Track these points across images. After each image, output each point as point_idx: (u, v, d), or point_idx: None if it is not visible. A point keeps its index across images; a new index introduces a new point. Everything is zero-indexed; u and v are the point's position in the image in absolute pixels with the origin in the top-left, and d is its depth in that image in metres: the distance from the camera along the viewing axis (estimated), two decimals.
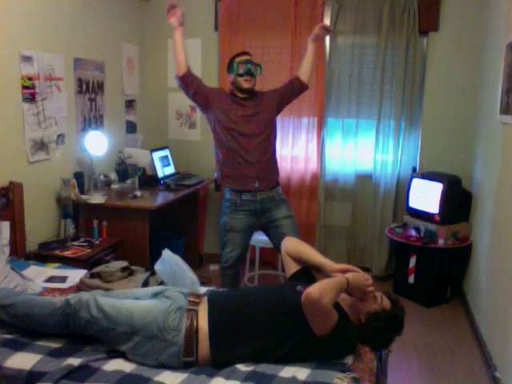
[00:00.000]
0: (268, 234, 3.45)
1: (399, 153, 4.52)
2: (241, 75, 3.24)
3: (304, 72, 3.41)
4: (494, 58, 3.72)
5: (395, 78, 4.40)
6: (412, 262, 4.22)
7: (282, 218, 3.33)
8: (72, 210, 3.75)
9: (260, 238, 3.91)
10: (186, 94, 3.32)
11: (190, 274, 2.67)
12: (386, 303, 2.20)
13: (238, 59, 3.29)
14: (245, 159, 3.26)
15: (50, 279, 2.89)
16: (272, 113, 3.37)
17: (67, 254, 3.32)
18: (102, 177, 4.13)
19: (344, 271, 2.21)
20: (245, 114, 3.27)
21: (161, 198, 3.97)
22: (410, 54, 4.34)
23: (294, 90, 3.43)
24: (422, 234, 4.11)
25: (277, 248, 3.32)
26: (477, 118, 4.26)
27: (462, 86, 4.35)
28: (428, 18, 4.28)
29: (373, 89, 4.47)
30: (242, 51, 3.44)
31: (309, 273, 2.43)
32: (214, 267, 4.84)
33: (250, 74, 3.25)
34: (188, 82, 3.24)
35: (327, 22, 4.42)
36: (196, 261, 4.73)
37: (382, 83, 4.41)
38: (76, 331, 2.19)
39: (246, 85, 3.26)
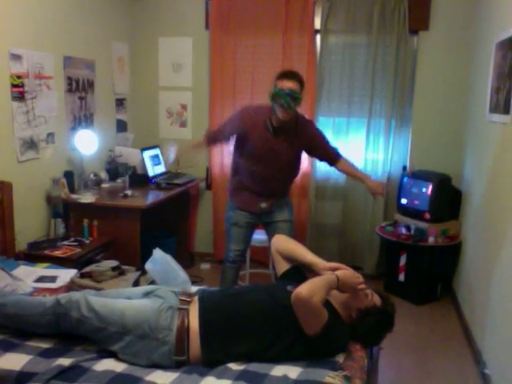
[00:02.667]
0: (266, 232, 3.51)
1: (390, 151, 4.53)
2: (277, 105, 3.00)
3: (344, 167, 3.37)
4: (483, 57, 3.74)
5: (386, 77, 4.41)
6: (402, 260, 4.23)
7: (282, 220, 3.38)
8: (62, 210, 3.74)
9: (253, 238, 3.90)
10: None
11: (181, 273, 2.67)
12: (377, 300, 2.22)
13: (279, 85, 2.97)
14: (255, 188, 3.30)
15: (40, 279, 2.86)
16: (298, 150, 3.32)
17: (57, 253, 3.31)
18: (92, 176, 4.11)
19: (334, 269, 2.21)
20: (274, 148, 3.16)
21: (151, 197, 3.96)
22: (400, 53, 4.36)
23: (325, 155, 3.35)
24: (412, 232, 4.13)
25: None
26: (467, 117, 4.28)
27: (452, 85, 4.37)
28: (418, 18, 4.30)
29: (363, 88, 4.48)
30: (288, 71, 3.08)
31: (300, 271, 2.43)
32: (205, 266, 4.84)
33: (287, 107, 2.97)
34: (214, 145, 3.64)
35: (318, 20, 4.43)
36: (187, 260, 4.72)
37: (372, 82, 4.42)
38: (66, 331, 2.18)
39: (280, 115, 3.02)
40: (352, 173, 3.46)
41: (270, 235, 3.37)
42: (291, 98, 2.94)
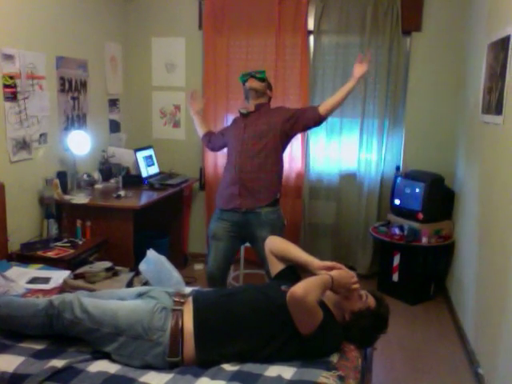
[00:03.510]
0: (251, 246, 3.42)
1: (383, 152, 4.54)
2: (245, 81, 3.28)
3: (326, 103, 3.23)
4: (475, 57, 3.76)
5: (379, 78, 4.43)
6: (396, 260, 4.25)
7: (260, 239, 3.09)
8: (55, 210, 3.72)
9: None
10: (212, 149, 3.72)
11: (174, 274, 2.66)
12: (371, 301, 2.21)
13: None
14: (230, 175, 3.26)
15: (33, 280, 2.85)
16: (271, 130, 3.20)
17: (50, 254, 3.29)
18: (85, 176, 4.09)
19: (329, 269, 2.21)
20: (243, 126, 3.26)
21: (145, 198, 3.95)
22: (393, 53, 4.37)
23: (308, 116, 3.24)
24: (405, 232, 4.14)
25: (259, 257, 3.31)
26: (459, 117, 4.30)
27: (444, 86, 4.39)
28: (411, 19, 4.31)
29: (356, 88, 4.43)
30: None
31: (294, 271, 2.43)
32: (198, 267, 4.83)
33: (252, 75, 3.27)
34: (206, 140, 3.63)
35: (311, 21, 4.44)
36: (181, 260, 4.71)
37: (365, 82, 4.43)
38: (60, 332, 2.17)
39: (248, 86, 3.25)
40: (336, 93, 3.28)
41: (253, 249, 3.40)
42: (254, 72, 3.28)
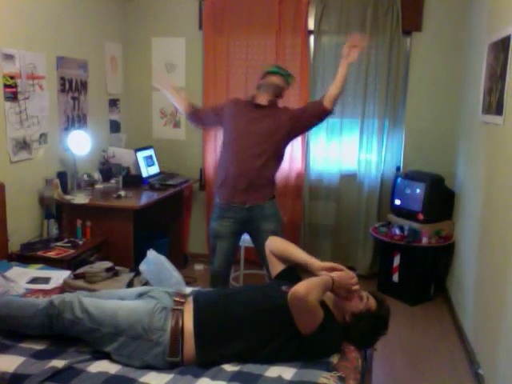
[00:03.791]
0: (252, 240, 3.41)
1: (383, 152, 4.54)
2: (272, 73, 3.27)
3: (327, 95, 3.17)
4: (476, 58, 3.76)
5: (379, 78, 4.43)
6: (396, 260, 4.25)
7: (267, 231, 3.14)
8: (55, 210, 3.72)
9: (245, 238, 3.89)
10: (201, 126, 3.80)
11: (175, 274, 2.66)
12: (372, 303, 2.21)
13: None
14: (234, 169, 3.20)
15: (33, 280, 2.86)
16: (279, 128, 3.19)
17: (50, 254, 3.29)
18: (85, 176, 4.09)
19: (329, 269, 2.21)
20: (249, 118, 3.23)
21: (145, 198, 3.95)
22: (393, 53, 4.37)
23: (312, 111, 3.23)
24: (405, 232, 4.14)
25: (260, 253, 3.29)
26: (459, 118, 4.30)
27: (444, 86, 4.39)
28: (411, 19, 4.31)
29: (357, 88, 4.48)
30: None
31: (294, 272, 2.42)
32: (199, 267, 4.83)
33: (276, 70, 3.29)
34: (195, 119, 3.55)
35: (311, 21, 4.44)
36: (181, 261, 4.71)
37: (365, 83, 4.43)
38: (60, 332, 2.17)
39: (270, 80, 3.23)
40: (333, 82, 3.18)
41: (257, 244, 3.36)
42: (287, 72, 3.31)
